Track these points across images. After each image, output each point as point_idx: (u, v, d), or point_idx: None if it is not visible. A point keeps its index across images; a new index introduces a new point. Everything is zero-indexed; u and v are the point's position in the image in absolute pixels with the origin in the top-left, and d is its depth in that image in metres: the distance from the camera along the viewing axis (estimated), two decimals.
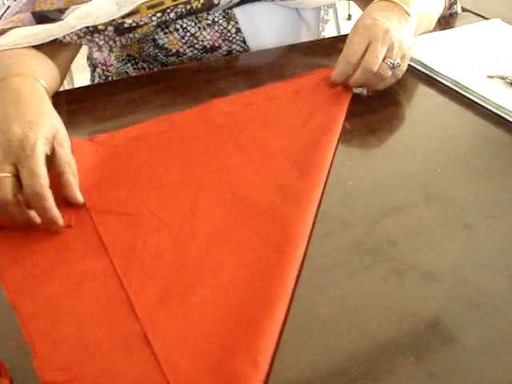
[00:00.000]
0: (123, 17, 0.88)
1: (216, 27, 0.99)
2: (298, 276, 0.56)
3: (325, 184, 0.68)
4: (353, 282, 0.56)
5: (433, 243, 0.60)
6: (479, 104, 0.84)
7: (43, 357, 0.49)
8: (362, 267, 0.58)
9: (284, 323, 0.51)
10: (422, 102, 0.87)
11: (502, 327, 0.51)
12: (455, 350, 0.49)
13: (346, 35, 0.85)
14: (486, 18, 1.12)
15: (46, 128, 0.65)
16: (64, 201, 0.65)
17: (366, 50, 0.81)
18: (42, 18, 0.86)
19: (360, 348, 0.49)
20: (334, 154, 0.73)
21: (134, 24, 0.89)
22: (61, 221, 0.62)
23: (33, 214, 0.62)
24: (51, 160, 0.65)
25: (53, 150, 0.65)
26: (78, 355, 0.49)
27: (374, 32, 0.81)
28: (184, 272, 0.57)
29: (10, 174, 0.61)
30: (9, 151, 0.62)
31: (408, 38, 0.84)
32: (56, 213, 0.62)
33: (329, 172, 0.70)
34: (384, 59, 0.82)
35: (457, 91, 0.87)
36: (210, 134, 0.78)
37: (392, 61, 0.82)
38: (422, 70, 0.94)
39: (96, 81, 1.17)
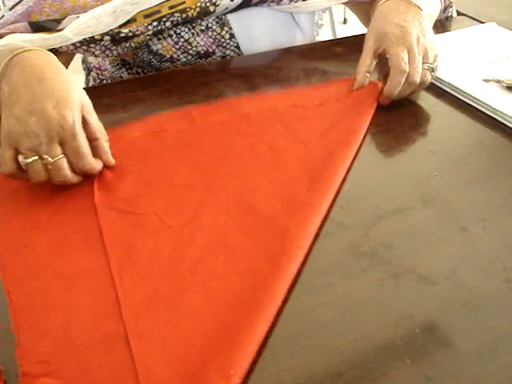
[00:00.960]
0: (120, 26, 0.87)
1: (210, 33, 0.99)
2: (293, 285, 0.56)
3: (334, 197, 0.67)
4: (349, 285, 0.56)
5: (429, 246, 0.60)
6: (475, 107, 0.84)
7: (26, 348, 0.49)
8: (358, 270, 0.57)
9: (266, 337, 0.51)
10: (419, 106, 0.87)
11: (499, 330, 0.51)
12: (451, 353, 0.49)
13: (342, 38, 0.85)
14: (482, 22, 1.12)
15: (76, 101, 0.67)
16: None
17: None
18: (38, 27, 0.86)
19: (356, 351, 0.49)
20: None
21: (130, 34, 0.89)
22: (99, 166, 0.70)
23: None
24: (83, 127, 0.67)
25: (83, 118, 0.68)
26: (60, 350, 0.49)
27: (409, 42, 0.82)
28: (176, 276, 0.57)
29: (62, 156, 0.65)
30: (52, 132, 0.64)
31: (432, 35, 0.86)
32: (96, 168, 0.69)
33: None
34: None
35: (453, 95, 0.88)
36: (227, 136, 0.78)
37: (430, 65, 0.83)
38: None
39: (90, 84, 1.16)
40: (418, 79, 0.81)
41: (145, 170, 0.72)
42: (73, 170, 0.67)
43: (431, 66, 0.83)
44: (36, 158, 0.64)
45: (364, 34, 0.89)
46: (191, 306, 0.54)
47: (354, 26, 0.88)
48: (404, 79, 0.81)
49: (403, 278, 0.56)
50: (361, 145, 0.76)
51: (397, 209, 0.65)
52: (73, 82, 0.71)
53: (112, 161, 0.72)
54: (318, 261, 0.59)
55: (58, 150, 0.65)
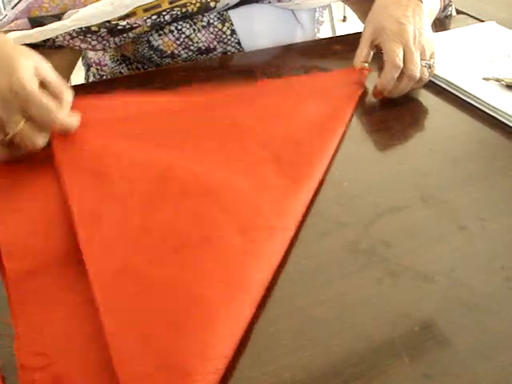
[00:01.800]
0: (118, 19, 0.87)
1: (211, 29, 0.99)
2: (260, 259, 0.55)
3: (321, 182, 0.68)
4: (347, 283, 0.56)
5: (427, 244, 0.60)
6: (475, 106, 0.84)
7: (25, 341, 0.49)
8: (356, 268, 0.57)
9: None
10: (418, 104, 0.87)
11: (497, 329, 0.51)
12: (450, 352, 0.49)
13: (342, 36, 0.85)
14: (481, 21, 1.12)
15: (25, 65, 0.64)
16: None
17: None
18: (37, 22, 0.86)
19: (354, 349, 0.49)
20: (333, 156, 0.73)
21: (128, 26, 0.89)
22: (75, 120, 0.68)
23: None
24: (44, 86, 0.65)
25: (42, 79, 0.66)
26: (59, 342, 0.49)
27: (405, 39, 0.82)
28: (146, 246, 0.56)
29: (23, 122, 0.63)
30: (6, 103, 0.62)
31: (430, 32, 0.86)
32: (73, 121, 0.68)
33: (324, 172, 0.70)
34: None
35: (452, 93, 0.88)
36: (193, 113, 0.78)
37: (427, 61, 0.83)
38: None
39: (90, 80, 1.16)
40: (417, 74, 0.82)
41: (111, 125, 0.70)
42: (46, 128, 0.66)
43: (428, 62, 0.83)
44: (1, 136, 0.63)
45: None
46: (163, 276, 0.53)
47: (354, 24, 0.88)
48: (397, 74, 0.82)
49: (402, 277, 0.56)
50: (355, 142, 0.76)
51: (395, 207, 0.65)
52: (24, 52, 0.68)
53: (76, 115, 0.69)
54: (317, 258, 0.59)
55: (18, 117, 0.63)
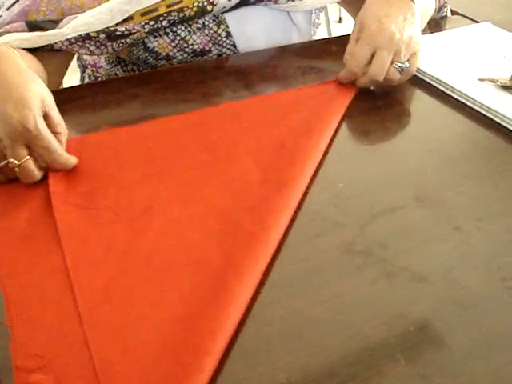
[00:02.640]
0: (116, 24, 0.87)
1: (206, 31, 0.99)
2: (242, 276, 0.55)
3: (316, 183, 0.68)
4: (343, 284, 0.56)
5: (423, 245, 0.60)
6: (470, 107, 0.84)
7: (20, 342, 0.50)
8: (352, 269, 0.57)
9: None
10: (414, 105, 0.87)
11: (493, 329, 0.51)
12: (445, 352, 0.49)
13: (338, 37, 0.85)
14: (477, 22, 1.12)
15: (36, 99, 0.66)
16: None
17: (372, 57, 0.82)
18: (35, 27, 0.86)
19: (350, 349, 0.49)
20: (321, 161, 0.72)
21: (126, 32, 0.89)
22: (74, 161, 0.70)
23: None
24: (45, 118, 0.67)
25: (45, 113, 0.67)
26: (54, 344, 0.49)
27: (380, 39, 0.81)
28: (130, 268, 0.57)
29: (28, 157, 0.66)
30: (15, 135, 0.64)
31: (416, 33, 0.84)
32: (72, 162, 0.70)
33: (315, 175, 0.70)
34: (392, 63, 0.82)
35: (448, 94, 0.88)
36: (179, 130, 0.79)
37: (400, 64, 0.82)
38: (414, 72, 0.94)
39: (86, 81, 1.16)
40: (380, 78, 0.82)
41: (98, 165, 0.72)
42: (47, 166, 0.68)
43: (401, 65, 0.82)
44: (3, 163, 0.65)
45: None
46: (147, 297, 0.54)
47: (349, 25, 0.88)
48: (353, 77, 0.86)
49: (397, 277, 0.56)
50: (351, 142, 0.76)
51: (391, 207, 0.65)
52: (32, 78, 0.70)
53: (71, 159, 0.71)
54: (313, 259, 0.59)
55: (24, 152, 0.65)
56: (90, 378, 0.46)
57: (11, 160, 0.65)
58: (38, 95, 0.67)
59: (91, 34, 0.87)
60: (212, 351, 0.47)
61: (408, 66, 0.83)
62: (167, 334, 0.50)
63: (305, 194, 0.67)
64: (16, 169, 0.65)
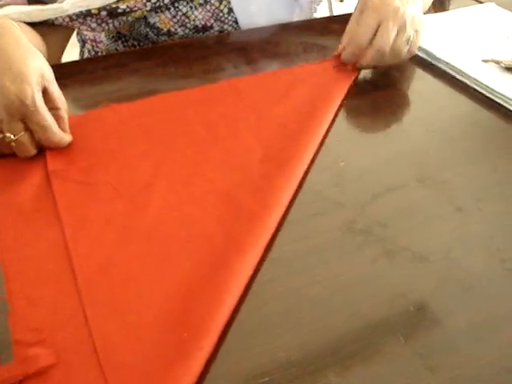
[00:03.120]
0: (117, 1, 0.86)
1: (208, 7, 0.98)
2: (244, 252, 0.55)
3: (317, 163, 0.68)
4: (344, 263, 0.56)
5: (424, 225, 0.60)
6: (473, 88, 0.84)
7: (19, 316, 0.49)
8: (353, 248, 0.57)
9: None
10: (417, 85, 0.86)
11: (492, 310, 0.51)
12: (444, 332, 0.49)
13: (340, 15, 0.84)
14: (481, 2, 1.11)
15: (35, 73, 0.65)
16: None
17: (376, 31, 0.80)
18: (34, 0, 0.85)
19: (350, 328, 0.49)
20: (322, 140, 0.72)
21: (127, 9, 0.88)
22: (68, 138, 0.70)
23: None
24: (44, 93, 0.66)
25: (44, 88, 0.67)
26: (53, 318, 0.49)
27: (385, 12, 0.80)
28: (130, 243, 0.57)
29: (24, 132, 0.65)
30: (11, 109, 0.63)
31: (418, 12, 0.83)
32: (67, 140, 0.69)
33: (316, 154, 0.69)
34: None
35: (451, 74, 0.87)
36: (181, 108, 0.78)
37: (407, 35, 0.81)
38: (417, 52, 0.93)
39: (85, 56, 1.15)
40: (387, 48, 0.80)
41: (98, 140, 0.72)
42: (40, 143, 0.67)
43: (408, 35, 0.81)
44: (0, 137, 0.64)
45: None
46: (145, 273, 0.54)
47: (351, 5, 0.87)
48: (358, 51, 0.82)
49: (398, 257, 0.56)
50: (353, 122, 0.75)
51: (392, 187, 0.65)
52: (31, 52, 0.69)
53: (68, 130, 0.70)
54: (313, 238, 0.59)
55: (20, 126, 0.64)
56: (89, 352, 0.46)
57: (7, 134, 0.64)
58: (37, 70, 0.66)
59: (92, 11, 0.86)
60: (211, 328, 0.47)
61: (414, 39, 0.82)
62: (166, 310, 0.50)
63: (306, 173, 0.66)
64: (12, 143, 0.65)
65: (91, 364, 0.46)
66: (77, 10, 0.85)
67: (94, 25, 0.89)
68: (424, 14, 1.01)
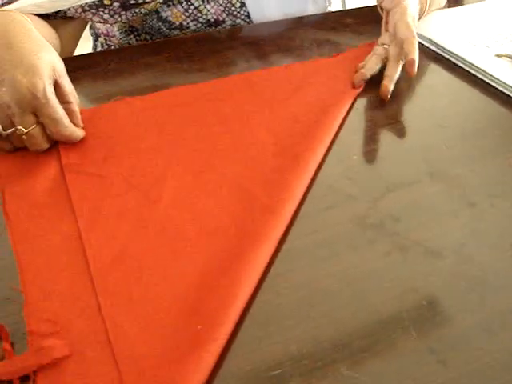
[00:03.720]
0: None
1: (220, 1, 0.98)
2: (268, 247, 0.55)
3: (329, 156, 0.68)
4: (355, 256, 0.56)
5: (437, 220, 0.60)
6: (487, 82, 0.83)
7: (34, 307, 0.50)
8: (364, 242, 0.57)
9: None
10: (430, 79, 0.86)
11: (504, 306, 0.51)
12: (456, 327, 0.49)
13: (354, 9, 0.84)
14: None
15: (46, 67, 0.66)
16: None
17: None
18: None
19: (362, 322, 0.49)
20: (335, 134, 0.72)
21: (140, 1, 0.88)
22: (80, 132, 0.70)
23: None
24: (55, 87, 0.67)
25: (55, 82, 0.67)
26: (67, 309, 0.50)
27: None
28: (143, 236, 0.57)
29: (35, 125, 0.65)
30: (23, 102, 0.63)
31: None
32: (79, 135, 0.70)
33: (329, 148, 0.70)
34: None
35: (464, 69, 0.87)
36: (194, 101, 0.78)
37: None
38: (431, 46, 0.93)
39: (98, 50, 1.16)
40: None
41: (111, 133, 0.72)
42: (52, 136, 0.68)
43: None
44: (11, 130, 0.64)
45: (375, 6, 0.88)
46: (158, 265, 0.54)
47: None
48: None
49: (410, 251, 0.56)
50: (366, 115, 0.75)
51: (405, 182, 0.65)
52: (43, 45, 0.69)
53: (81, 124, 0.71)
54: (325, 231, 0.59)
55: (32, 119, 0.65)
56: (103, 344, 0.47)
57: (19, 127, 0.64)
58: (48, 63, 0.66)
59: (105, 2, 0.86)
60: (225, 320, 0.48)
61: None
62: (180, 302, 0.50)
63: (318, 166, 0.66)
64: (24, 136, 0.65)
65: (105, 355, 0.46)
66: (89, 0, 0.85)
67: (106, 16, 0.89)
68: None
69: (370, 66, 0.82)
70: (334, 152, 0.69)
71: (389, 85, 0.79)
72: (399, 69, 0.81)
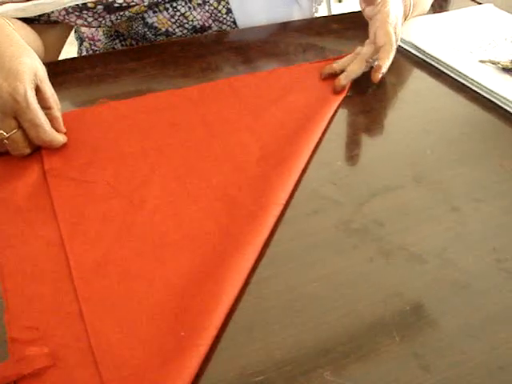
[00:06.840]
0: None
1: (206, 7, 0.98)
2: (251, 253, 0.55)
3: (314, 161, 0.68)
4: (340, 261, 0.56)
5: (420, 224, 0.60)
6: (470, 88, 0.84)
7: (15, 314, 0.49)
8: (349, 246, 0.57)
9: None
10: (414, 85, 0.86)
11: (487, 310, 0.51)
12: (440, 331, 0.49)
13: (340, 15, 0.84)
14: (479, 3, 1.12)
15: (28, 71, 0.65)
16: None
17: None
18: None
19: (345, 327, 0.49)
20: (319, 140, 0.72)
21: (124, 4, 0.88)
22: (62, 138, 0.69)
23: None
24: (36, 92, 0.66)
25: (37, 87, 0.66)
26: (49, 316, 0.49)
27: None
28: (126, 242, 0.57)
29: (16, 130, 0.65)
30: (4, 106, 0.63)
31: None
32: (60, 140, 0.69)
33: (313, 154, 0.70)
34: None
35: (448, 75, 0.87)
36: (178, 106, 0.78)
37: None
38: (415, 52, 0.93)
39: (83, 54, 1.15)
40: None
41: (95, 138, 0.72)
42: (33, 141, 0.67)
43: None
44: None
45: (360, 12, 0.88)
46: (142, 270, 0.54)
47: (350, 5, 0.87)
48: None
49: (394, 256, 0.56)
50: (350, 121, 0.76)
51: (389, 186, 0.65)
52: (24, 50, 0.69)
53: (63, 130, 0.70)
54: (309, 236, 0.59)
55: (13, 123, 0.64)
56: (85, 351, 0.46)
57: (0, 131, 0.64)
58: (30, 68, 0.66)
59: (89, 5, 0.86)
60: (208, 326, 0.47)
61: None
62: (163, 308, 0.50)
63: (303, 171, 0.66)
64: (5, 141, 0.64)
65: (87, 362, 0.46)
66: (73, 4, 0.85)
67: (90, 19, 0.89)
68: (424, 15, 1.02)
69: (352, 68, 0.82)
70: (319, 157, 0.69)
71: (343, 80, 0.81)
72: (361, 69, 0.82)
